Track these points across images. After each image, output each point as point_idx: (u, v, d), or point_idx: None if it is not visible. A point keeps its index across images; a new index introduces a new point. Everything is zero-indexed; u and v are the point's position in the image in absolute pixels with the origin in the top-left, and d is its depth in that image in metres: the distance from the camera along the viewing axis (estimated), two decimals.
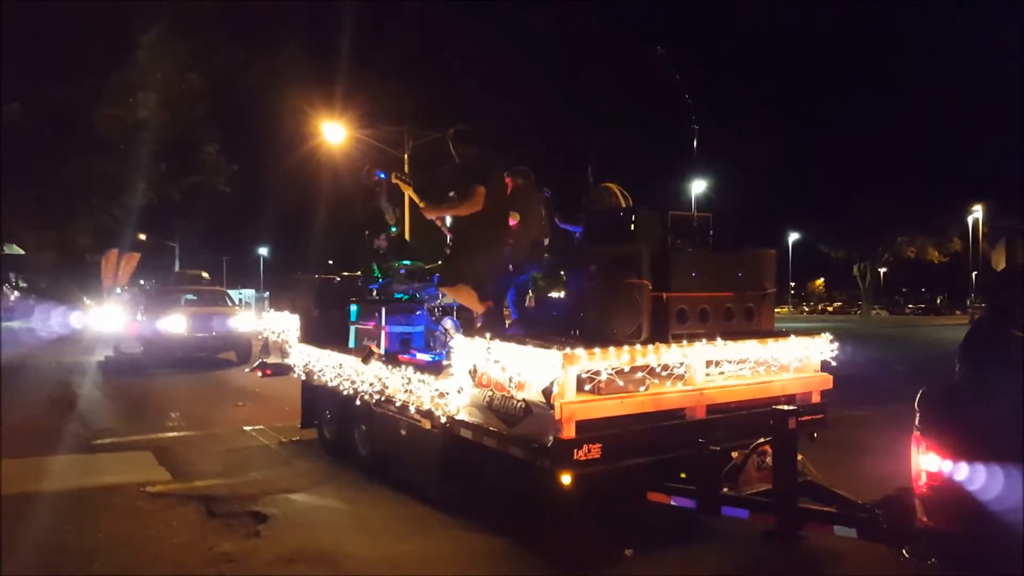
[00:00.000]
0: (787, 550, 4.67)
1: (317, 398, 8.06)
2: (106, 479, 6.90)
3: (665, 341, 4.88)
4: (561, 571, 4.67)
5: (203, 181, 20.27)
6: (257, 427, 9.38)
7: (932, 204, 46.27)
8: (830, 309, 76.55)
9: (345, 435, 7.41)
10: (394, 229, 8.21)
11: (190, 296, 18.81)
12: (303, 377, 7.95)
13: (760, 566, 4.72)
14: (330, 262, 44.01)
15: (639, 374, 4.72)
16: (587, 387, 4.56)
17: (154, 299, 18.93)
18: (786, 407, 4.57)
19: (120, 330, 20.78)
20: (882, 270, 60.63)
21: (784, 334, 5.47)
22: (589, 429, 4.49)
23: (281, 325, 8.63)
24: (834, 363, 5.61)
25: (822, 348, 5.62)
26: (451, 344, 5.42)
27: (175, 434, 9.07)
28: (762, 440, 4.70)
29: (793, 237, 59.68)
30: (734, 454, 4.86)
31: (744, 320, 5.38)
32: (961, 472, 3.21)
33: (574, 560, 4.73)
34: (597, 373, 4.53)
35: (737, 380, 5.21)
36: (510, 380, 4.75)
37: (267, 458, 7.85)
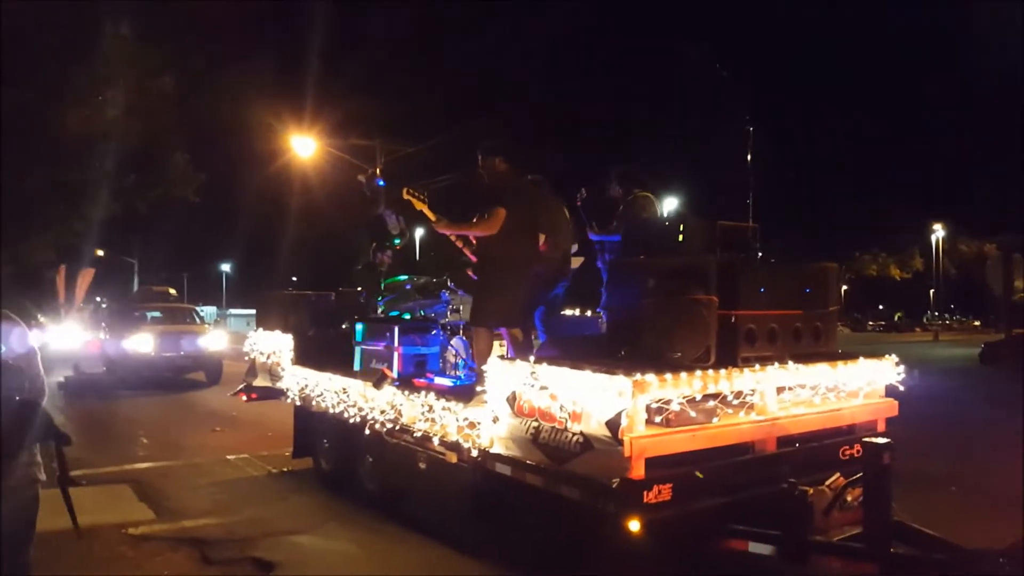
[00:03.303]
0: None
1: (313, 425, 7.36)
2: (82, 519, 6.02)
3: (735, 365, 4.37)
4: None
5: (171, 192, 19.19)
6: (241, 455, 8.63)
7: (892, 222, 47.23)
8: None
9: (347, 467, 6.73)
10: (398, 241, 7.63)
11: (155, 314, 17.82)
12: (298, 402, 7.25)
13: None
14: (294, 278, 42.99)
15: (710, 403, 4.19)
16: (657, 419, 4.01)
17: (118, 316, 17.86)
18: (879, 439, 4.07)
19: (79, 349, 19.63)
20: (843, 287, 61.62)
21: (853, 356, 5.00)
22: (659, 467, 3.94)
23: (271, 345, 7.91)
24: (901, 388, 5.15)
25: (889, 371, 5.16)
26: (485, 368, 4.83)
27: (152, 464, 8.27)
28: (854, 476, 4.19)
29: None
30: (810, 492, 4.34)
31: (812, 341, 4.90)
32: None
33: None
34: (667, 403, 3.99)
35: (807, 408, 4.72)
36: (562, 409, 4.18)
37: (259, 492, 7.13)
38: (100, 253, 32.73)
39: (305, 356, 7.33)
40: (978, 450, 9.36)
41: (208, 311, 44.51)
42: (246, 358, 8.40)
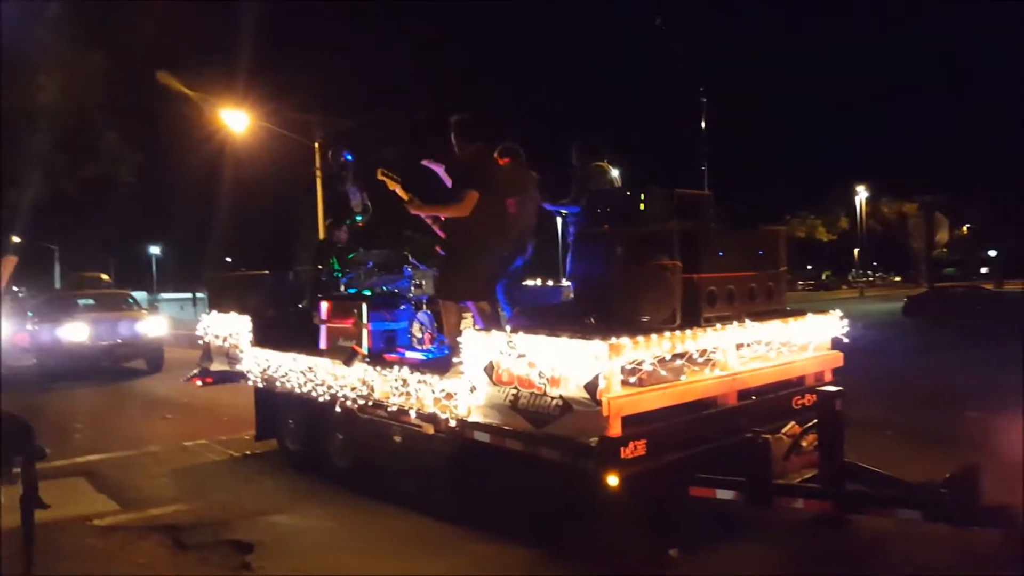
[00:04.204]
0: (836, 537, 4.51)
1: (276, 407, 7.34)
2: (40, 514, 5.95)
3: (698, 325, 4.62)
4: None
5: (104, 172, 18.30)
6: (199, 441, 8.52)
7: (820, 185, 48.97)
8: None
9: (316, 446, 6.77)
10: (360, 219, 7.59)
11: (88, 300, 17.16)
12: (260, 384, 7.21)
13: (816, 554, 4.54)
14: (228, 259, 41.65)
15: (678, 362, 4.42)
16: (631, 379, 4.21)
17: (47, 305, 17.14)
18: (831, 388, 4.40)
19: (2, 342, 18.72)
20: None
21: (801, 312, 5.32)
22: (634, 424, 4.16)
23: (227, 328, 7.81)
24: (846, 340, 5.52)
25: (833, 325, 5.52)
26: (460, 340, 4.94)
27: (104, 455, 8.07)
28: (809, 424, 4.51)
29: None
30: (771, 439, 4.65)
31: (765, 300, 5.20)
32: None
33: (616, 565, 4.38)
34: (640, 364, 4.20)
35: (763, 363, 5.02)
36: (540, 375, 4.34)
37: (224, 476, 7.09)
38: (16, 240, 31.06)
39: (265, 337, 7.27)
40: (907, 396, 10.03)
41: (138, 296, 42.83)
42: (200, 342, 8.26)
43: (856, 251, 58.74)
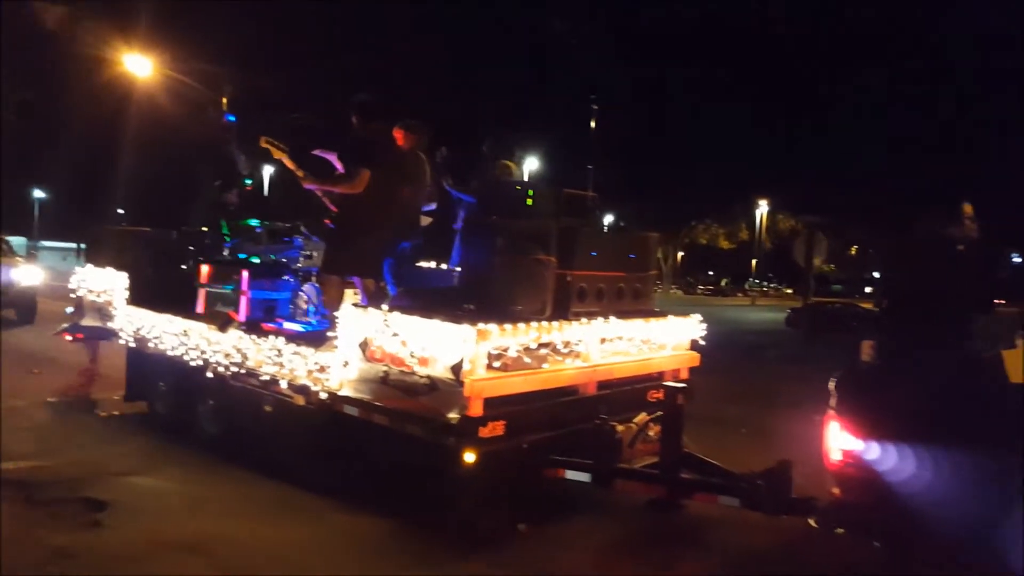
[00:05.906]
0: (670, 518, 4.92)
1: (148, 368, 7.17)
2: None
3: (566, 318, 4.88)
4: (454, 550, 4.54)
5: None
6: (66, 398, 8.18)
7: (724, 196, 50.98)
8: None
9: (186, 410, 6.68)
10: (249, 182, 7.49)
11: None
12: (132, 344, 7.03)
13: (648, 534, 4.93)
14: (120, 211, 39.28)
15: (542, 351, 4.67)
16: (496, 364, 4.43)
17: None
18: (675, 383, 4.76)
19: None
20: (679, 253, 66.05)
21: (663, 314, 5.70)
22: (494, 406, 4.39)
23: (102, 283, 7.54)
24: (703, 342, 5.94)
25: (693, 328, 5.93)
26: (338, 315, 5.02)
27: None
28: (655, 414, 4.87)
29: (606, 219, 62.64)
30: (619, 428, 4.99)
31: (632, 300, 5.53)
32: (872, 451, 3.52)
33: (467, 538, 4.61)
34: (505, 350, 4.42)
35: (624, 357, 5.35)
36: (412, 355, 4.49)
37: (88, 435, 6.86)
38: None
39: (141, 296, 7.10)
40: (771, 398, 10.79)
41: (16, 242, 39.88)
42: (72, 295, 7.93)
43: (754, 261, 61.60)
